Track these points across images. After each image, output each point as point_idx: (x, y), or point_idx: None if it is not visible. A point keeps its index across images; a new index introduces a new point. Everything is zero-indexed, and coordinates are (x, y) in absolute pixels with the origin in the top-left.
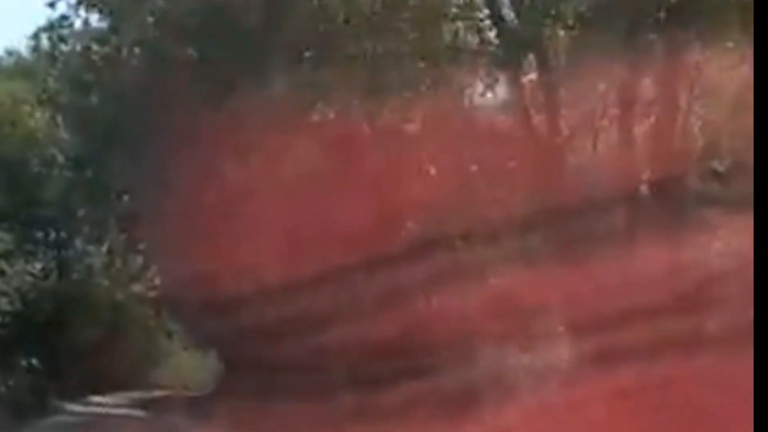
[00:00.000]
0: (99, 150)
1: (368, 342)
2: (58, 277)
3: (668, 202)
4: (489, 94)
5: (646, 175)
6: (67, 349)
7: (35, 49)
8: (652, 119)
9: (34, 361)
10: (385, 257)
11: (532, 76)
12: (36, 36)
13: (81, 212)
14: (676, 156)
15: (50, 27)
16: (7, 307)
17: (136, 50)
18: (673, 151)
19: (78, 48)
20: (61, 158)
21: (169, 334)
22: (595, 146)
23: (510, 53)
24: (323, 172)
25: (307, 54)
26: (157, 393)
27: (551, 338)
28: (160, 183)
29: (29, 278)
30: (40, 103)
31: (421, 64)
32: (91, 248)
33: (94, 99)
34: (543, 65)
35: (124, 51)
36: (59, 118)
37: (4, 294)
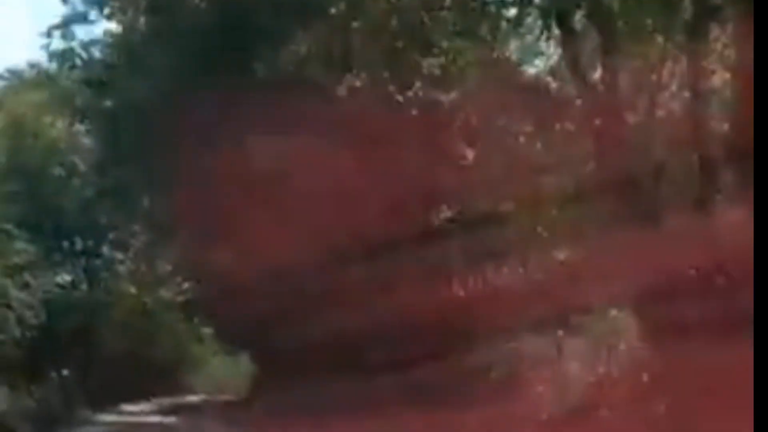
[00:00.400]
0: (121, 154)
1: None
2: (88, 287)
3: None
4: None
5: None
6: (97, 359)
7: (48, 49)
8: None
9: (65, 372)
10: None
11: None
12: (48, 34)
13: (105, 219)
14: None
15: (63, 24)
16: (33, 321)
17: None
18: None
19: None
20: (83, 166)
21: (200, 339)
22: (655, 107)
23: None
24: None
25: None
26: (190, 399)
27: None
28: (187, 185)
29: (56, 289)
30: (60, 106)
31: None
32: (117, 255)
33: (112, 100)
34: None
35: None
36: (78, 124)
37: (29, 307)
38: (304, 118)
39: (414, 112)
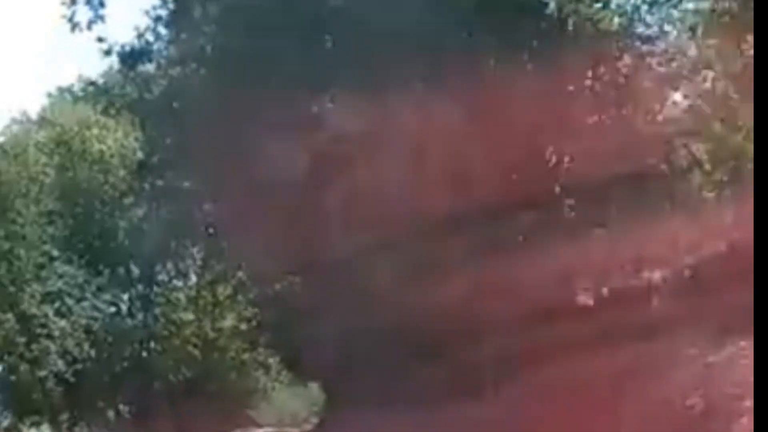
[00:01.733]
0: (179, 175)
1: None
2: (142, 315)
3: None
4: None
5: None
6: (155, 393)
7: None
8: None
9: (122, 408)
10: None
11: None
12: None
13: (161, 240)
14: None
15: None
16: (77, 352)
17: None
18: None
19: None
20: (136, 185)
21: (266, 368)
22: None
23: None
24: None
25: None
26: None
27: None
28: (250, 204)
29: (105, 317)
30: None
31: None
32: (174, 281)
33: (166, 110)
34: None
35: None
36: (131, 138)
37: (73, 337)
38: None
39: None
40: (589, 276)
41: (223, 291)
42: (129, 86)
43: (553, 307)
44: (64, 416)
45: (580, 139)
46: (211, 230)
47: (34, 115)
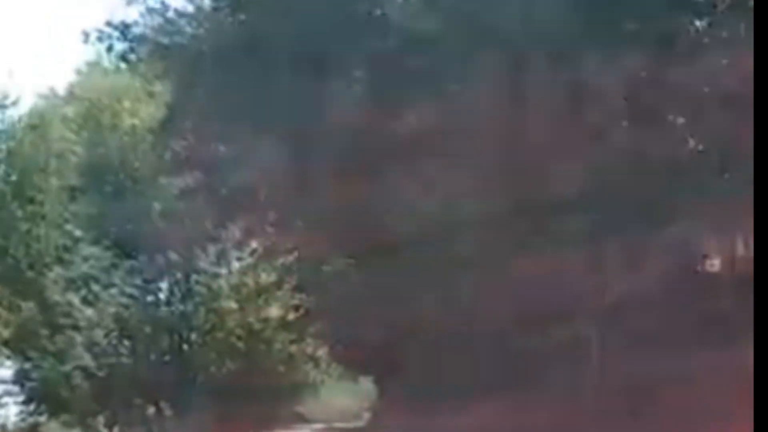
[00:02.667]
0: (216, 148)
1: None
2: (181, 303)
3: None
4: None
5: None
6: (196, 387)
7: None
8: None
9: (163, 405)
10: None
11: None
12: None
13: (199, 222)
14: None
15: None
16: (105, 344)
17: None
18: None
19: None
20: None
21: (315, 361)
22: None
23: None
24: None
25: None
26: (307, 430)
27: None
28: (298, 179)
29: (137, 306)
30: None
31: None
32: (216, 267)
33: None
34: None
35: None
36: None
37: (100, 327)
38: None
39: None
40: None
41: (267, 277)
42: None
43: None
44: (98, 415)
45: None
46: (252, 205)
47: (62, 91)
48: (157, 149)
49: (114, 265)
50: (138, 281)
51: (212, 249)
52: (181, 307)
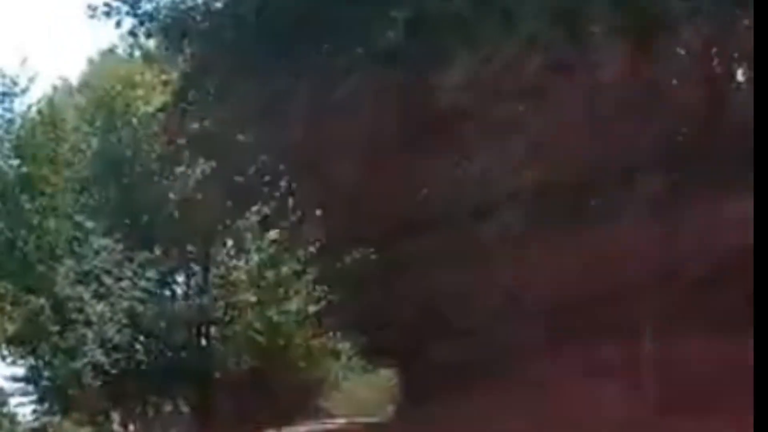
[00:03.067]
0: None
1: None
2: (198, 297)
3: None
4: None
5: None
6: (215, 384)
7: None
8: None
9: (180, 402)
10: None
11: None
12: None
13: (217, 213)
14: None
15: None
16: (118, 339)
17: None
18: None
19: None
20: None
21: (336, 354)
22: None
23: None
24: None
25: None
26: (329, 424)
27: None
28: (318, 169)
29: (152, 300)
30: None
31: None
32: (234, 260)
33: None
34: None
35: None
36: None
37: (113, 322)
38: None
39: None
40: None
41: (287, 269)
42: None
43: None
44: (111, 413)
45: None
46: (272, 193)
47: (74, 80)
48: (168, 131)
49: (128, 258)
50: (152, 274)
51: (230, 241)
52: (199, 301)
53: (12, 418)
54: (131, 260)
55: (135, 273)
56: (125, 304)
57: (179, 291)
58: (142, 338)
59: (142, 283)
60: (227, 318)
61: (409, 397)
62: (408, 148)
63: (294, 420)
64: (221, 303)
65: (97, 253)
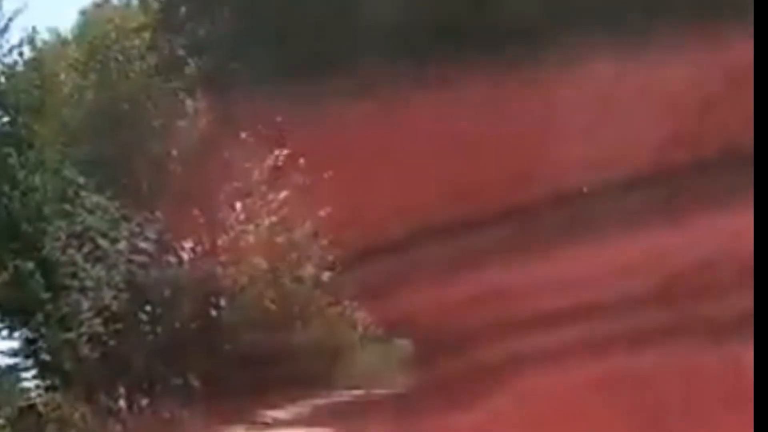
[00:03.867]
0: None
1: None
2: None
3: None
4: None
5: None
6: (230, 356)
7: None
8: None
9: (190, 377)
10: None
11: None
12: None
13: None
14: None
15: None
16: (115, 306)
17: None
18: None
19: None
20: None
21: (352, 324)
22: None
23: None
24: None
25: None
26: (346, 397)
27: None
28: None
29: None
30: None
31: None
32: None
33: None
34: None
35: None
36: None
37: (110, 287)
38: None
39: None
40: None
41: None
42: None
43: None
44: (113, 389)
45: None
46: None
47: (66, 32)
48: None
49: (124, 217)
50: (152, 234)
51: (240, 204)
52: (207, 268)
53: (10, 394)
54: (128, 219)
55: (133, 234)
56: (123, 268)
57: (185, 257)
58: (146, 307)
59: (142, 245)
60: (238, 287)
61: (425, 369)
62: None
63: (310, 392)
64: (231, 270)
65: (90, 212)
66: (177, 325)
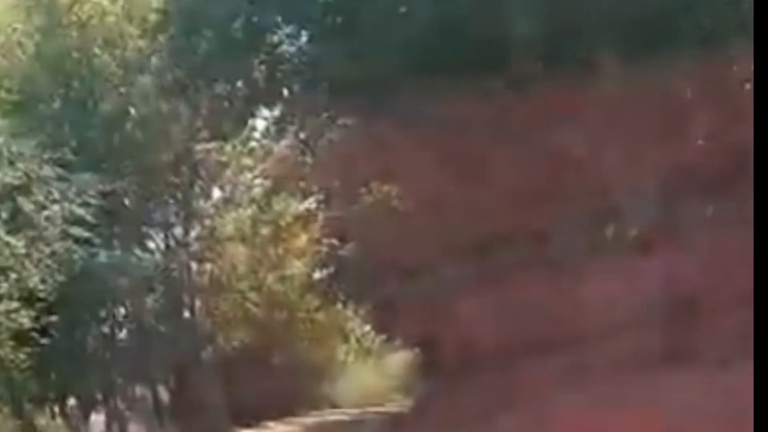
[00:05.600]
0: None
1: None
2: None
3: None
4: None
5: None
6: (205, 366)
7: None
8: None
9: (162, 389)
10: None
11: None
12: None
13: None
14: None
15: None
16: (50, 295)
17: None
18: None
19: None
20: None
21: (345, 334)
22: None
23: None
24: None
25: None
26: (336, 416)
27: None
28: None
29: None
30: None
31: None
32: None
33: None
34: None
35: None
36: None
37: (41, 269)
38: None
39: None
40: None
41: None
42: None
43: None
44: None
45: None
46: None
47: None
48: None
49: (62, 178)
50: (98, 200)
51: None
52: (178, 262)
53: None
54: (64, 179)
55: (66, 198)
56: (57, 245)
57: (151, 245)
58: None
59: (82, 212)
60: (214, 285)
61: (434, 385)
62: None
63: (295, 411)
64: (207, 266)
65: (10, 163)
66: (146, 327)
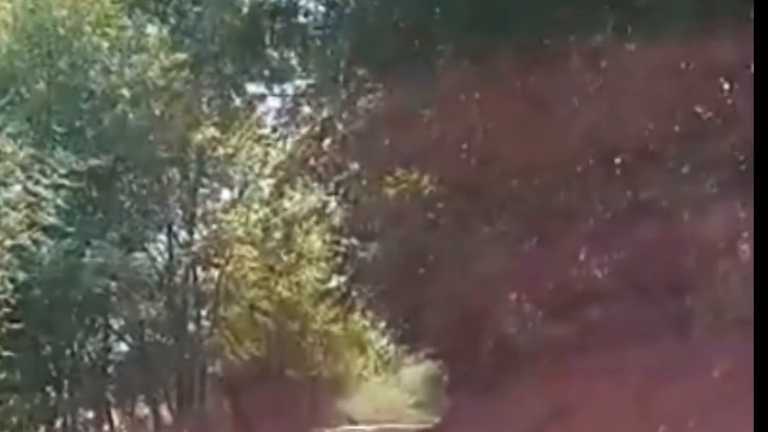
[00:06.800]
0: None
1: None
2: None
3: None
4: None
5: None
6: (211, 381)
7: None
8: None
9: (164, 408)
10: None
11: None
12: None
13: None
14: None
15: None
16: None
17: None
18: None
19: None
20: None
21: (361, 346)
22: None
23: None
24: None
25: None
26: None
27: None
28: None
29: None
30: None
31: None
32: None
33: None
34: None
35: None
36: None
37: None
38: None
39: None
40: None
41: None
42: None
43: None
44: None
45: None
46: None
47: None
48: None
49: (35, 157)
50: (75, 182)
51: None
52: (184, 261)
53: None
54: (40, 160)
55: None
56: (24, 237)
57: (152, 248)
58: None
59: (59, 201)
60: (221, 293)
61: (460, 400)
62: None
63: (308, 428)
64: (213, 273)
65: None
66: (150, 339)
